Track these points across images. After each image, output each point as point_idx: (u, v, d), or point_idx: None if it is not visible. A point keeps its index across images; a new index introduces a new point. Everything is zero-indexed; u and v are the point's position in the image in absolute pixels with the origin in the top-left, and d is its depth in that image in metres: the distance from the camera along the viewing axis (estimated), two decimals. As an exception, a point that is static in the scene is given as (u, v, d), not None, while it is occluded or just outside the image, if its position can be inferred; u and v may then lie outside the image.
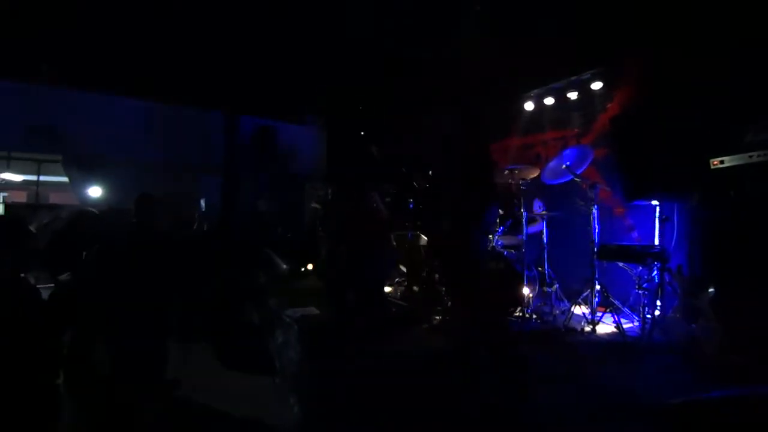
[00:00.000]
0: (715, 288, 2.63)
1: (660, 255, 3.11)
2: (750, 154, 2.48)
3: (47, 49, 4.94)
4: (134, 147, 6.25)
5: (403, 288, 4.52)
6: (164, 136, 6.45)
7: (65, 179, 6.27)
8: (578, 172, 3.57)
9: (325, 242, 3.49)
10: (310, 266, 5.94)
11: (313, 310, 3.71)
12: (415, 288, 4.29)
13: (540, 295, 3.87)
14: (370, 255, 3.34)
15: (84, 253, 2.80)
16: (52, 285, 2.55)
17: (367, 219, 3.44)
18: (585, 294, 3.48)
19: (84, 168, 5.97)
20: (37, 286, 2.00)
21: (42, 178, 6.11)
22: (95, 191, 5.85)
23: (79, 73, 5.60)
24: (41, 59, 5.19)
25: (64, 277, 2.57)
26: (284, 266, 5.49)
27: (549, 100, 4.74)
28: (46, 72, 5.31)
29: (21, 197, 6.55)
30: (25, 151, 5.97)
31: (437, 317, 3.61)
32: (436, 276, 3.96)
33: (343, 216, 3.39)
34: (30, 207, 6.07)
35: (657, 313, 3.15)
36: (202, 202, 5.59)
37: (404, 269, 4.59)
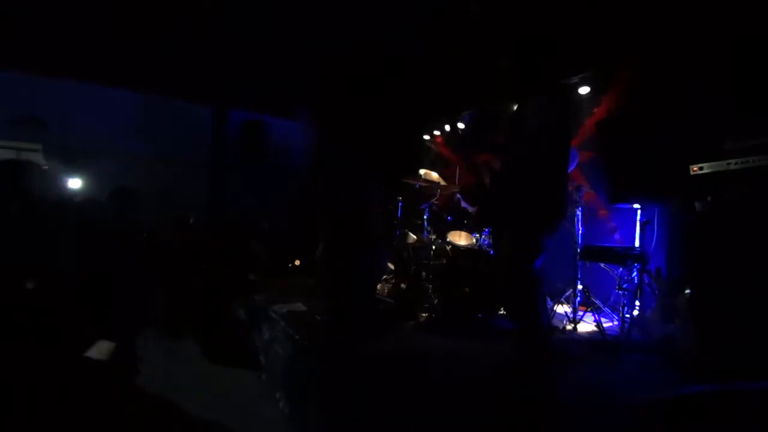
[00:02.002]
0: (691, 289, 2.73)
1: (640, 257, 3.20)
2: (728, 161, 2.58)
3: (31, 37, 4.79)
4: (120, 139, 6.12)
5: (390, 285, 4.56)
6: (151, 129, 6.34)
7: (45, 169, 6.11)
8: (564, 175, 3.65)
9: (318, 238, 3.45)
10: (297, 262, 5.92)
11: (300, 306, 3.71)
12: (403, 285, 4.32)
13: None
14: (364, 251, 3.34)
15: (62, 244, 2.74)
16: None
17: (362, 214, 3.43)
18: (567, 293, 3.57)
19: (65, 158, 5.83)
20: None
21: (21, 167, 5.93)
22: (76, 182, 5.72)
23: (64, 62, 5.45)
24: (25, 47, 5.02)
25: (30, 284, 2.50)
26: (270, 261, 5.47)
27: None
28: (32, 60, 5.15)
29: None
30: (4, 140, 5.79)
31: (424, 314, 3.65)
32: (423, 273, 4.00)
33: (337, 211, 3.37)
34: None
35: (636, 312, 3.25)
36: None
37: (392, 266, 4.62)
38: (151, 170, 5.91)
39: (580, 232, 3.55)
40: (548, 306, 3.73)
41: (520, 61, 2.08)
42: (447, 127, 6.12)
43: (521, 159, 1.96)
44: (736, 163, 2.54)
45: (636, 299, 3.25)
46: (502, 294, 2.51)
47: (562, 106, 2.02)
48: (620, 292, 3.29)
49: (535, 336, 1.95)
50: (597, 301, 3.45)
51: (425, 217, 4.42)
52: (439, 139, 6.44)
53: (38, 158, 6.07)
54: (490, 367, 2.50)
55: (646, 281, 3.18)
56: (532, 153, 1.92)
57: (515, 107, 2.11)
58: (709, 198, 2.64)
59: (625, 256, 3.27)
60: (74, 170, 5.70)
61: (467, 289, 3.48)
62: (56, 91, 5.89)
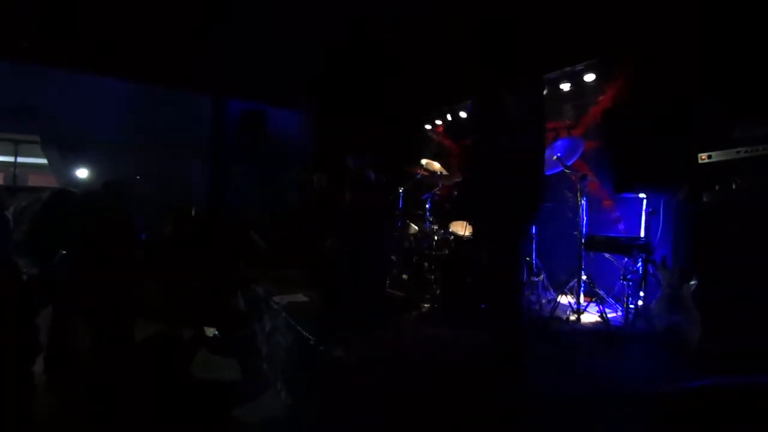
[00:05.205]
0: (697, 280, 2.70)
1: (645, 247, 3.17)
2: (737, 149, 2.52)
3: (25, 25, 4.70)
4: (117, 129, 6.06)
5: (392, 276, 4.53)
6: (149, 119, 6.27)
7: (45, 161, 6.06)
8: (568, 164, 3.59)
9: (321, 229, 3.42)
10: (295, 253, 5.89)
11: (301, 297, 3.69)
12: (404, 276, 4.30)
13: (526, 285, 3.92)
14: (372, 241, 3.30)
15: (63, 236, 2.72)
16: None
17: (367, 204, 3.39)
18: (571, 284, 3.54)
19: (63, 149, 5.77)
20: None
21: (21, 159, 5.89)
22: (75, 173, 5.68)
23: (59, 52, 5.37)
24: (19, 36, 4.94)
25: (33, 271, 2.49)
26: (270, 251, 5.43)
27: (541, 91, 4.73)
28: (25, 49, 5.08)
29: (-2, 179, 6.32)
30: (2, 131, 5.74)
31: (426, 305, 3.64)
32: (425, 264, 3.97)
33: (342, 202, 3.33)
34: (7, 189, 5.86)
35: (640, 303, 3.23)
36: None
37: (393, 257, 4.59)
38: (149, 161, 5.86)
39: (585, 221, 3.51)
40: (551, 296, 3.71)
41: (503, 50, 2.13)
42: (448, 116, 6.04)
43: (506, 148, 1.99)
44: (745, 152, 2.49)
45: (640, 290, 3.23)
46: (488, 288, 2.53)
47: (541, 92, 2.13)
48: (625, 282, 3.26)
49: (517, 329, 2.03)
50: (601, 292, 3.42)
51: (427, 207, 4.38)
52: (441, 129, 6.37)
53: (36, 150, 6.03)
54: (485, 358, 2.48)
55: (651, 271, 3.15)
56: (517, 141, 1.96)
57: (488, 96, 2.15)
58: (717, 187, 2.59)
59: (629, 246, 3.23)
60: (72, 161, 5.66)
61: (469, 280, 3.45)
62: (52, 82, 5.81)
